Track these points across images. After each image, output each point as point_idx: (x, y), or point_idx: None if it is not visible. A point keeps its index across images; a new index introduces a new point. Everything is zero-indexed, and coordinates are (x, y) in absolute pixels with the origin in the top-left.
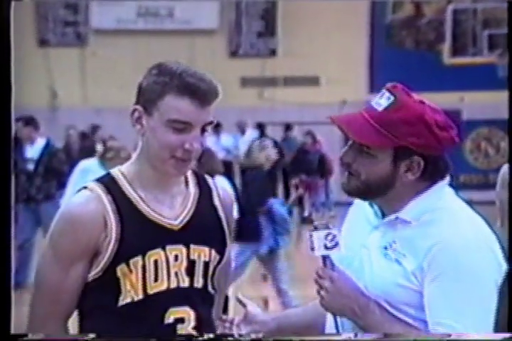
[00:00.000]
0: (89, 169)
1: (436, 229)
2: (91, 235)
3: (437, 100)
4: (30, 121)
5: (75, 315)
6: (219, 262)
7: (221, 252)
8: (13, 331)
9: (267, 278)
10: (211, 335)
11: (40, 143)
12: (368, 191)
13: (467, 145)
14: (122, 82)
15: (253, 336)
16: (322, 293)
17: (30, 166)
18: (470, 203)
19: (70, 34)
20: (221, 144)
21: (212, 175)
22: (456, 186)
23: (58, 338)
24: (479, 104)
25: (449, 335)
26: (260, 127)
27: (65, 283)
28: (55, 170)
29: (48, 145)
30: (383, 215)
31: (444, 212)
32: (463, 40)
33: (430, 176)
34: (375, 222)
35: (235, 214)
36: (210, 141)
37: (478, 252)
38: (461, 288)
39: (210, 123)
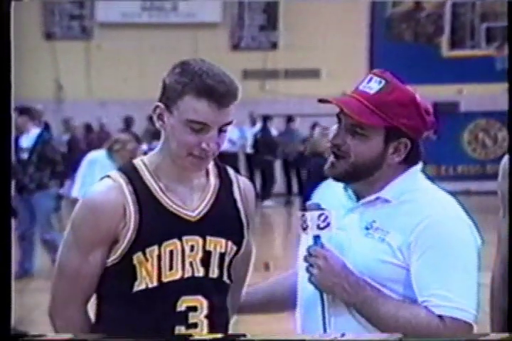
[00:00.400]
0: (96, 160)
1: (419, 207)
2: (111, 223)
3: (436, 92)
4: (25, 111)
5: (93, 299)
6: (236, 253)
7: (238, 244)
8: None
9: (269, 266)
10: (219, 335)
11: (34, 132)
12: (355, 173)
13: (465, 137)
14: (127, 74)
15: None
16: (314, 271)
17: (24, 155)
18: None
19: (76, 27)
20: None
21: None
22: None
23: (58, 338)
24: (477, 96)
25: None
26: (264, 119)
27: (84, 268)
28: (48, 159)
29: (41, 135)
30: (358, 198)
31: (422, 192)
32: (461, 33)
33: (411, 159)
34: (349, 205)
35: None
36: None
37: (458, 227)
38: (449, 260)
39: (229, 123)
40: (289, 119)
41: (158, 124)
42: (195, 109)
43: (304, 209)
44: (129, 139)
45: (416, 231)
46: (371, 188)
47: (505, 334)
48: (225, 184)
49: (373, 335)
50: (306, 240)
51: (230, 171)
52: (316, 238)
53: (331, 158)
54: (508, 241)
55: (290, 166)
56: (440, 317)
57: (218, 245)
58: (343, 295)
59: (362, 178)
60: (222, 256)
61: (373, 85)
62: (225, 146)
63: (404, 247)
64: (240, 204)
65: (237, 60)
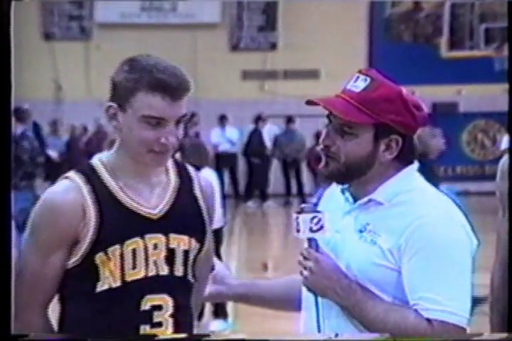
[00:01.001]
0: None
1: (410, 209)
2: (70, 224)
3: (435, 93)
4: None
5: (56, 301)
6: (199, 251)
7: (201, 241)
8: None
9: (267, 267)
10: (183, 335)
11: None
12: (347, 173)
13: (464, 137)
14: None
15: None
16: (306, 273)
17: None
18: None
19: (75, 28)
20: (226, 136)
21: (200, 168)
22: (453, 177)
23: (59, 338)
24: (476, 96)
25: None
26: (256, 120)
27: (44, 270)
28: (16, 158)
29: (22, 134)
30: (355, 201)
31: (416, 193)
32: (460, 33)
33: (404, 157)
34: (346, 208)
35: (217, 204)
36: (215, 133)
37: (451, 228)
38: (440, 262)
39: (184, 116)
40: (289, 120)
41: (112, 124)
42: (149, 105)
43: (299, 211)
44: None
45: (406, 233)
46: (366, 190)
47: (504, 334)
48: (185, 181)
49: (367, 335)
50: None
51: (190, 169)
52: (311, 240)
53: (324, 159)
54: (508, 242)
55: (289, 167)
56: (429, 320)
57: (181, 242)
58: (335, 298)
59: (356, 177)
60: (186, 253)
61: (359, 84)
62: (225, 147)
63: (395, 249)
64: (201, 201)
65: (236, 61)
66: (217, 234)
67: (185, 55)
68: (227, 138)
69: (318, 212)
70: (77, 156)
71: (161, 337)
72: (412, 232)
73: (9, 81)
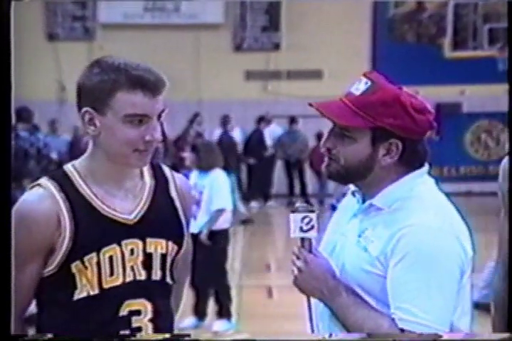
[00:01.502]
0: None
1: (403, 216)
2: (45, 234)
3: (438, 93)
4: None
5: (34, 309)
6: (177, 253)
7: (179, 243)
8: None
9: (270, 267)
10: (165, 336)
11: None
12: (347, 175)
13: (467, 138)
14: None
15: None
16: (296, 273)
17: None
18: (448, 195)
19: (78, 28)
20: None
21: (211, 169)
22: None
23: (58, 338)
24: (480, 97)
25: (440, 336)
26: (258, 121)
27: (19, 280)
28: (24, 160)
29: None
30: (364, 203)
31: (415, 201)
32: (464, 34)
33: (408, 161)
34: (354, 210)
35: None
36: (218, 134)
37: (440, 239)
38: (421, 272)
39: (163, 111)
40: (292, 120)
41: (89, 130)
42: (132, 103)
43: (293, 210)
44: None
45: (393, 241)
46: (372, 193)
47: (506, 335)
48: (160, 183)
49: (361, 335)
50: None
51: (166, 169)
52: (304, 240)
53: (327, 159)
54: (508, 242)
55: (292, 167)
56: (402, 330)
57: (159, 246)
58: (322, 299)
59: (356, 180)
60: (163, 257)
61: (360, 86)
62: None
63: (382, 257)
64: (177, 203)
65: (240, 61)
66: (225, 234)
67: (189, 55)
68: (232, 138)
69: (312, 211)
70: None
71: (142, 338)
72: (398, 240)
73: (9, 81)
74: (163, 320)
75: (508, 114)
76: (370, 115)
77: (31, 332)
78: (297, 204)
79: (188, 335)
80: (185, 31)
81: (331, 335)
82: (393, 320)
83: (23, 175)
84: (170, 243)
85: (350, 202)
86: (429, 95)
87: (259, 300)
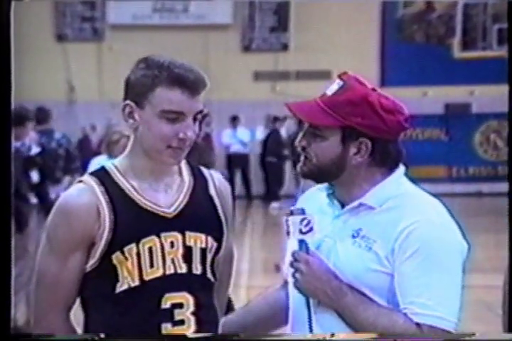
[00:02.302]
0: (98, 164)
1: (403, 214)
2: (85, 226)
3: (447, 93)
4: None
5: (79, 304)
6: (217, 250)
7: (218, 239)
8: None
9: (279, 268)
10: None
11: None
12: (320, 174)
13: (477, 138)
14: None
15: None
16: (297, 275)
17: None
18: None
19: (87, 29)
20: (237, 137)
21: (208, 168)
22: (466, 178)
23: (59, 338)
24: (489, 97)
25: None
26: (273, 120)
27: (63, 274)
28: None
29: None
30: (342, 205)
31: (406, 198)
32: (473, 34)
33: (381, 161)
34: (335, 212)
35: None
36: (226, 134)
37: (443, 232)
38: (432, 267)
39: (201, 111)
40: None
41: (129, 123)
42: (169, 99)
43: (288, 214)
44: (119, 137)
45: (400, 239)
46: (351, 194)
47: (509, 335)
48: (199, 182)
49: (362, 335)
50: (291, 245)
51: (204, 170)
52: (301, 242)
53: (302, 158)
54: (508, 242)
55: None
56: (418, 324)
57: (198, 240)
58: (326, 300)
59: (329, 179)
60: (203, 251)
61: (333, 87)
62: (237, 147)
63: (389, 255)
64: (216, 201)
65: (248, 62)
66: None
67: (197, 56)
68: (239, 139)
69: (307, 214)
70: (88, 156)
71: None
72: (407, 236)
73: (9, 81)
74: (206, 315)
75: (508, 114)
76: (339, 114)
77: (79, 330)
78: (291, 208)
79: (237, 335)
80: (193, 32)
81: (333, 335)
82: (405, 315)
83: (65, 173)
84: (209, 238)
85: (318, 205)
86: (438, 96)
87: None
